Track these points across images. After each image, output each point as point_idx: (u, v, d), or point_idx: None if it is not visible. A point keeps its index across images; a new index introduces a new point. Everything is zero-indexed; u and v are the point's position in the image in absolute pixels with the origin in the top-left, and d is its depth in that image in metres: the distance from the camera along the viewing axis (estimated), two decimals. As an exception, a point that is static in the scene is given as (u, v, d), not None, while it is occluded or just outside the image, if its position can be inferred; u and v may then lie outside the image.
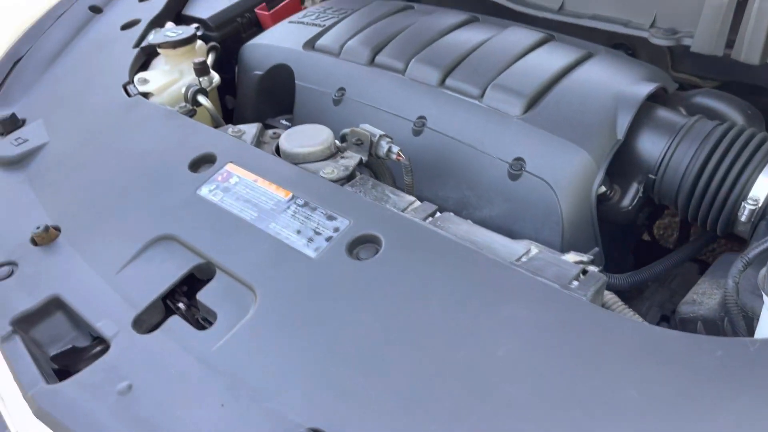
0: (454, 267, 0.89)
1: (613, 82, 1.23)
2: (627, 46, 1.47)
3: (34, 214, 1.18)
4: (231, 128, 1.25)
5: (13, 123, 1.43)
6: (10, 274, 1.07)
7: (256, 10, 1.82)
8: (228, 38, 1.78)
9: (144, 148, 1.24)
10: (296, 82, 1.51)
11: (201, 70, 1.44)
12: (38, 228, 1.10)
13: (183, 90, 1.41)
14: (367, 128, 1.17)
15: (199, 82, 1.45)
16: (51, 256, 1.08)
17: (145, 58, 1.61)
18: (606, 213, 1.20)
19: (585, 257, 0.95)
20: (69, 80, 1.56)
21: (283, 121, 1.61)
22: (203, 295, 0.95)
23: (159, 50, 1.54)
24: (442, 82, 1.33)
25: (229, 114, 1.73)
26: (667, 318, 1.22)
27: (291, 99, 1.60)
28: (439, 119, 1.29)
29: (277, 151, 1.22)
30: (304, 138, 1.19)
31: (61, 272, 1.05)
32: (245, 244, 1.00)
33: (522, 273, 0.86)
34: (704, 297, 1.02)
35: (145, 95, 1.44)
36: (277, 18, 1.80)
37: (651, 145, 1.17)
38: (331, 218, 1.00)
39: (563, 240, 1.14)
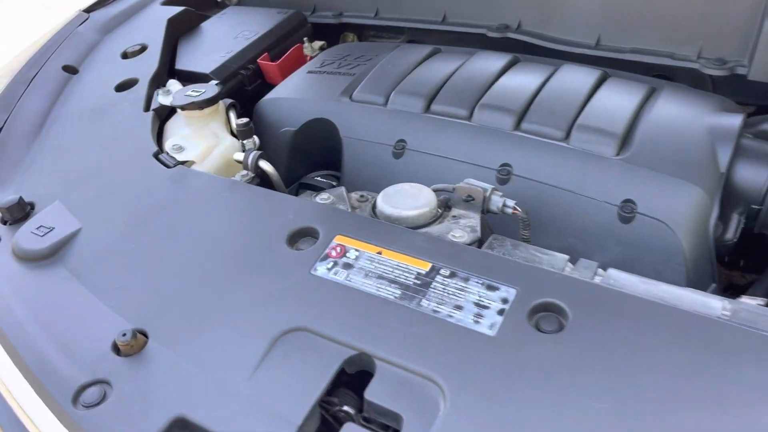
0: (666, 330, 0.82)
1: (698, 115, 1.23)
2: (666, 77, 1.49)
3: (101, 317, 0.98)
4: (316, 196, 1.12)
5: (22, 209, 1.21)
6: (104, 396, 0.87)
7: (258, 61, 1.69)
8: (232, 92, 1.63)
9: (222, 227, 1.07)
10: (342, 135, 1.39)
11: (246, 131, 1.29)
12: (123, 335, 0.91)
13: (233, 156, 1.26)
14: (474, 183, 1.09)
15: (243, 145, 1.30)
16: (147, 366, 0.90)
17: (159, 121, 1.43)
18: (710, 247, 1.19)
19: (760, 300, 0.91)
20: (76, 153, 1.35)
21: (322, 179, 1.48)
22: (373, 394, 0.82)
23: (182, 112, 1.37)
24: (517, 126, 1.27)
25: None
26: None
27: (325, 154, 1.48)
28: (525, 165, 1.22)
29: (373, 209, 1.10)
30: (406, 199, 1.09)
31: (172, 385, 0.87)
32: (401, 328, 0.87)
33: (745, 329, 0.80)
34: None
35: (182, 164, 1.27)
36: (285, 68, 1.68)
37: (752, 175, 1.17)
38: (492, 288, 0.90)
39: (687, 280, 1.10)
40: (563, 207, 1.18)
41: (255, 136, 1.33)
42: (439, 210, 1.09)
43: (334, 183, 1.47)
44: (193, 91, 1.39)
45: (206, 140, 1.32)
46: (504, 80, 1.38)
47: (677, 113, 1.24)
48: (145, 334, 0.94)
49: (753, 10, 1.33)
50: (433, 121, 1.33)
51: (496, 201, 1.07)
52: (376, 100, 1.42)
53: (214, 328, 0.93)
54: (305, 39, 1.80)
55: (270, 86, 1.68)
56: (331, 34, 1.94)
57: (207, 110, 1.37)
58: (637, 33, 1.47)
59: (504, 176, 1.22)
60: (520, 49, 1.61)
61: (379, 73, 1.49)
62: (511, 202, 1.08)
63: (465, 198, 1.08)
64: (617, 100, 1.28)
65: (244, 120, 1.29)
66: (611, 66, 1.49)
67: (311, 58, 1.77)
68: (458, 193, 1.09)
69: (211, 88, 1.40)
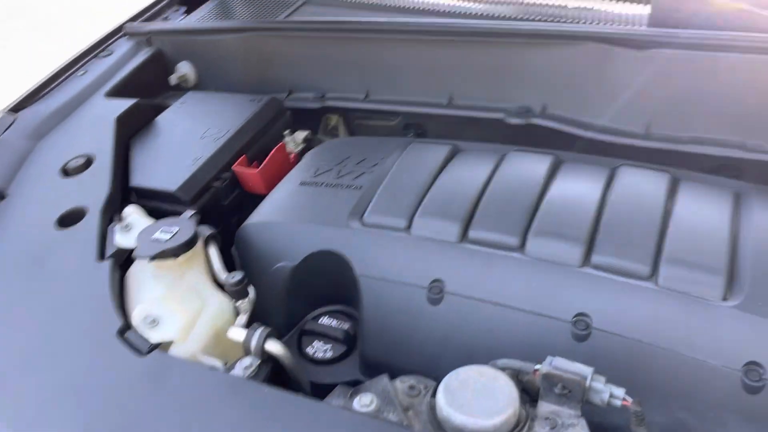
0: None
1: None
2: (728, 167, 1.26)
3: None
4: (354, 395, 0.83)
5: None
6: None
7: (234, 167, 1.38)
8: (206, 211, 1.32)
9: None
10: (358, 274, 1.10)
11: (240, 291, 0.98)
12: None
13: (224, 324, 0.95)
14: (566, 367, 0.81)
15: (236, 307, 1.00)
16: None
17: (120, 272, 1.10)
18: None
19: None
20: (3, 329, 1.01)
21: (332, 320, 1.18)
22: None
23: (151, 263, 1.06)
24: (587, 259, 1.01)
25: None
26: None
27: (330, 290, 1.19)
28: (606, 315, 0.96)
29: (433, 413, 0.81)
30: (477, 396, 0.80)
31: None
32: None
33: None
34: None
35: (157, 345, 0.95)
36: (268, 175, 1.38)
37: None
38: None
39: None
40: (665, 371, 0.92)
41: (251, 291, 1.02)
42: (523, 409, 0.81)
43: (346, 327, 1.17)
44: (162, 231, 1.08)
45: (187, 304, 1.01)
46: (554, 193, 1.12)
47: (786, 236, 1.00)
48: None
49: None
50: (475, 254, 1.06)
51: (600, 391, 0.80)
52: (397, 224, 1.13)
53: None
54: (286, 132, 1.50)
55: (251, 196, 1.38)
56: (310, 117, 1.66)
57: (184, 256, 1.06)
58: (695, 118, 1.24)
59: (582, 331, 0.95)
60: (546, 140, 1.36)
61: (392, 186, 1.21)
62: (619, 392, 0.81)
63: (559, 390, 0.80)
64: (703, 216, 1.04)
65: (237, 277, 0.99)
66: (665, 160, 1.25)
67: (296, 155, 1.48)
68: (546, 380, 0.82)
69: (187, 226, 1.09)
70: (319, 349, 1.15)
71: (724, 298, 0.93)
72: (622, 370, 0.93)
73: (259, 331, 0.92)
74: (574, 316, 0.96)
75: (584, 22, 1.33)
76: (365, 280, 1.09)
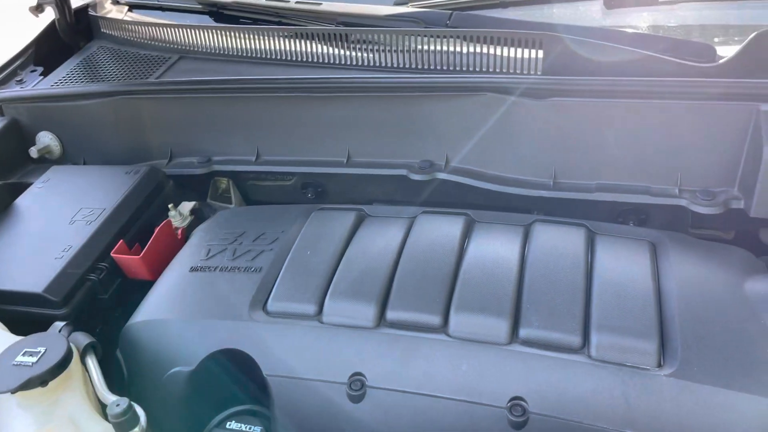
0: None
1: (733, 285, 0.97)
2: (635, 212, 1.24)
3: None
4: None
5: None
6: None
7: (112, 254, 1.21)
8: (81, 311, 1.15)
9: None
10: (266, 375, 0.97)
11: (127, 422, 0.83)
12: None
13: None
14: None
15: (124, 439, 0.84)
16: None
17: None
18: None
19: None
20: None
21: (242, 426, 1.04)
22: None
23: (16, 397, 0.88)
24: (513, 334, 0.94)
25: None
26: None
27: (237, 390, 1.05)
28: (541, 396, 0.88)
29: None
30: None
31: None
32: None
33: None
34: None
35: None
36: (152, 260, 1.23)
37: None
38: None
39: None
40: (610, 452, 0.86)
41: (141, 417, 0.87)
42: None
43: (258, 430, 1.03)
44: (25, 354, 0.90)
45: (60, 444, 0.84)
46: (471, 260, 1.05)
47: (708, 287, 0.98)
48: None
49: (738, 135, 1.13)
50: (396, 341, 0.96)
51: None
52: (305, 310, 1.02)
53: None
54: (170, 206, 1.35)
55: (137, 283, 1.22)
56: (197, 183, 1.51)
57: (54, 382, 0.89)
58: (600, 165, 1.22)
59: (519, 418, 0.87)
60: (452, 193, 1.30)
61: (297, 265, 1.09)
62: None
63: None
64: (626, 274, 1.00)
65: (122, 406, 0.83)
66: (573, 209, 1.22)
67: (183, 230, 1.33)
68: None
69: (56, 342, 0.92)
70: (228, 461, 1.01)
71: (659, 365, 0.88)
72: (566, 457, 0.86)
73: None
74: (509, 401, 0.88)
75: (481, 70, 1.28)
76: (275, 381, 0.97)
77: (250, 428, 1.04)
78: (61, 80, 1.59)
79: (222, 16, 1.69)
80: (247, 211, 1.35)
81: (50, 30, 1.76)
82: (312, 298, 1.02)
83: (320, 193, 1.48)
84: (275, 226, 1.20)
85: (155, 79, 1.50)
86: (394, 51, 1.37)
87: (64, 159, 1.55)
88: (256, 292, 1.06)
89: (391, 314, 0.99)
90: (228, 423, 1.06)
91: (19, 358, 0.90)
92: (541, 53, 1.26)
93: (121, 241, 1.23)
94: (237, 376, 1.01)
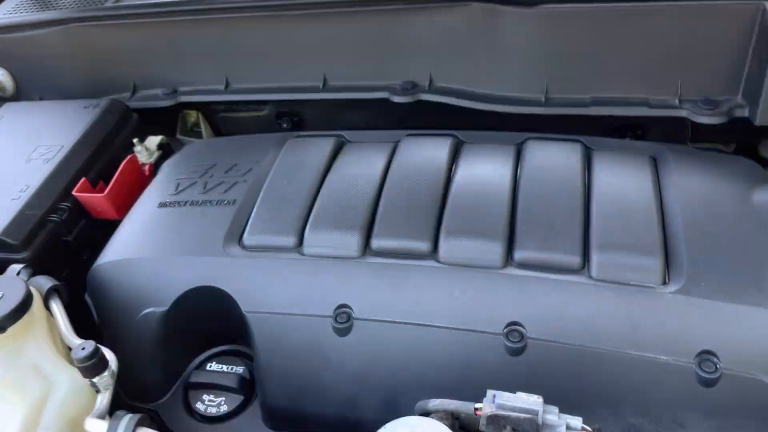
0: None
1: (741, 197, 0.91)
2: (633, 127, 1.17)
3: None
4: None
5: None
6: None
7: (74, 193, 1.13)
8: (45, 255, 1.07)
9: None
10: (245, 311, 0.91)
11: (95, 366, 0.76)
12: None
13: (79, 412, 0.73)
14: (513, 404, 0.67)
15: (94, 383, 0.77)
16: None
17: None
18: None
19: None
20: None
21: (223, 366, 0.98)
22: None
23: (-30, 345, 0.81)
24: (509, 257, 0.88)
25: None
26: None
27: (215, 329, 0.99)
28: (539, 320, 0.83)
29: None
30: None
31: None
32: None
33: None
34: None
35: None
36: (118, 197, 1.14)
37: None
38: None
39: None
40: (613, 376, 0.81)
41: (111, 360, 0.80)
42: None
43: (240, 370, 0.98)
44: (-21, 296, 0.83)
45: (26, 391, 0.77)
46: (461, 182, 0.97)
47: (714, 199, 0.92)
48: None
49: (741, 37, 1.04)
50: (383, 269, 0.89)
51: (555, 425, 0.67)
52: (284, 243, 0.95)
53: None
54: (135, 140, 1.25)
55: (103, 223, 1.14)
56: (164, 117, 1.41)
57: (17, 326, 0.82)
58: (594, 77, 1.14)
59: (516, 344, 0.82)
60: (438, 117, 1.22)
61: (273, 195, 1.01)
62: (576, 422, 0.68)
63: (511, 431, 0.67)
64: (626, 189, 0.93)
65: (88, 349, 0.76)
66: (568, 125, 1.14)
67: (151, 166, 1.24)
68: (492, 424, 0.68)
69: (14, 286, 0.85)
70: (210, 403, 0.96)
71: (665, 283, 0.83)
72: (566, 381, 0.82)
73: (126, 421, 0.71)
74: (506, 327, 0.83)
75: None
76: (255, 317, 0.90)
77: (232, 368, 0.99)
78: (11, 11, 1.46)
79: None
80: (218, 142, 1.26)
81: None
82: (291, 230, 0.95)
83: (296, 123, 1.39)
84: (248, 156, 1.12)
85: (112, 4, 1.37)
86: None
87: (19, 96, 1.44)
88: (231, 225, 0.98)
89: (376, 242, 0.92)
90: (209, 365, 1.00)
91: (-26, 301, 0.83)
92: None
93: (84, 179, 1.14)
94: (214, 315, 0.95)
